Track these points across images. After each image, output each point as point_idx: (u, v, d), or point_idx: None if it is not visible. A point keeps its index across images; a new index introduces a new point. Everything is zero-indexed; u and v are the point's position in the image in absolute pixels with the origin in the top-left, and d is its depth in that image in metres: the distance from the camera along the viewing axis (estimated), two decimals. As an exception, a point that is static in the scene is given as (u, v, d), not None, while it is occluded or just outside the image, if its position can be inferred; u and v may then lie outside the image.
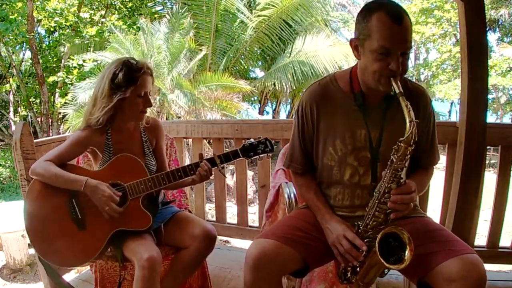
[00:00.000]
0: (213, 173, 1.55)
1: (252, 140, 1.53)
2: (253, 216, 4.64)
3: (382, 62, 1.08)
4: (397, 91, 1.07)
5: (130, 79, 1.43)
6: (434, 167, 1.36)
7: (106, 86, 1.44)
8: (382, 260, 1.03)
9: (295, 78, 7.96)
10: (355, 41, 1.15)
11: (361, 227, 1.16)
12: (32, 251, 3.65)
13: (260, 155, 1.53)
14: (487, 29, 3.35)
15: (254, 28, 7.66)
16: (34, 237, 1.44)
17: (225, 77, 6.79)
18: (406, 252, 1.02)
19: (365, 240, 1.14)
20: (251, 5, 8.05)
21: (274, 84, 8.23)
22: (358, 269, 1.15)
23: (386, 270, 1.11)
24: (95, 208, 1.42)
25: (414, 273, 1.16)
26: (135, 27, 8.12)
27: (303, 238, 1.23)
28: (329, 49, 8.02)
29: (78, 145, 1.50)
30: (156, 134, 1.67)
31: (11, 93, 10.14)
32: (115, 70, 1.44)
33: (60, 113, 7.69)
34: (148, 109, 1.54)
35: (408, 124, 1.04)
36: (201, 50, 7.37)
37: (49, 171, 1.41)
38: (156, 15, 8.79)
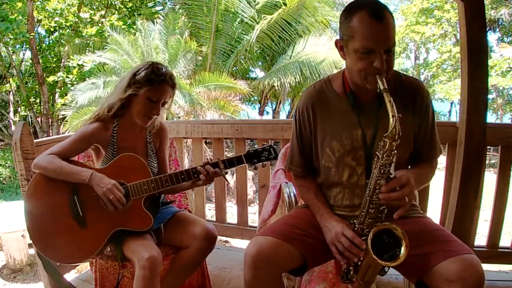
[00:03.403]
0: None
1: (257, 146, 1.55)
2: (253, 216, 4.65)
3: (366, 61, 1.09)
4: (381, 87, 1.07)
5: (149, 79, 1.45)
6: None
7: (127, 78, 1.49)
8: (375, 257, 1.03)
9: (295, 78, 7.94)
10: (340, 41, 1.16)
11: (356, 225, 1.16)
12: (32, 251, 3.65)
13: (264, 162, 1.53)
14: (487, 29, 3.35)
15: (256, 29, 7.62)
16: (34, 234, 1.44)
17: (223, 77, 6.77)
18: (402, 249, 1.02)
19: (362, 238, 1.14)
20: (251, 4, 8.00)
21: (274, 85, 8.21)
22: (358, 267, 1.15)
23: (386, 268, 1.11)
24: (96, 206, 1.42)
25: (413, 273, 1.16)
26: (134, 27, 8.12)
27: (302, 235, 1.24)
28: (329, 50, 8.00)
29: (82, 141, 1.51)
30: (161, 137, 1.67)
31: (11, 93, 10.16)
32: (141, 67, 1.49)
33: (60, 113, 7.70)
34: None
35: (391, 119, 1.04)
36: (201, 50, 7.34)
37: (53, 163, 1.41)
38: (156, 15, 8.79)
